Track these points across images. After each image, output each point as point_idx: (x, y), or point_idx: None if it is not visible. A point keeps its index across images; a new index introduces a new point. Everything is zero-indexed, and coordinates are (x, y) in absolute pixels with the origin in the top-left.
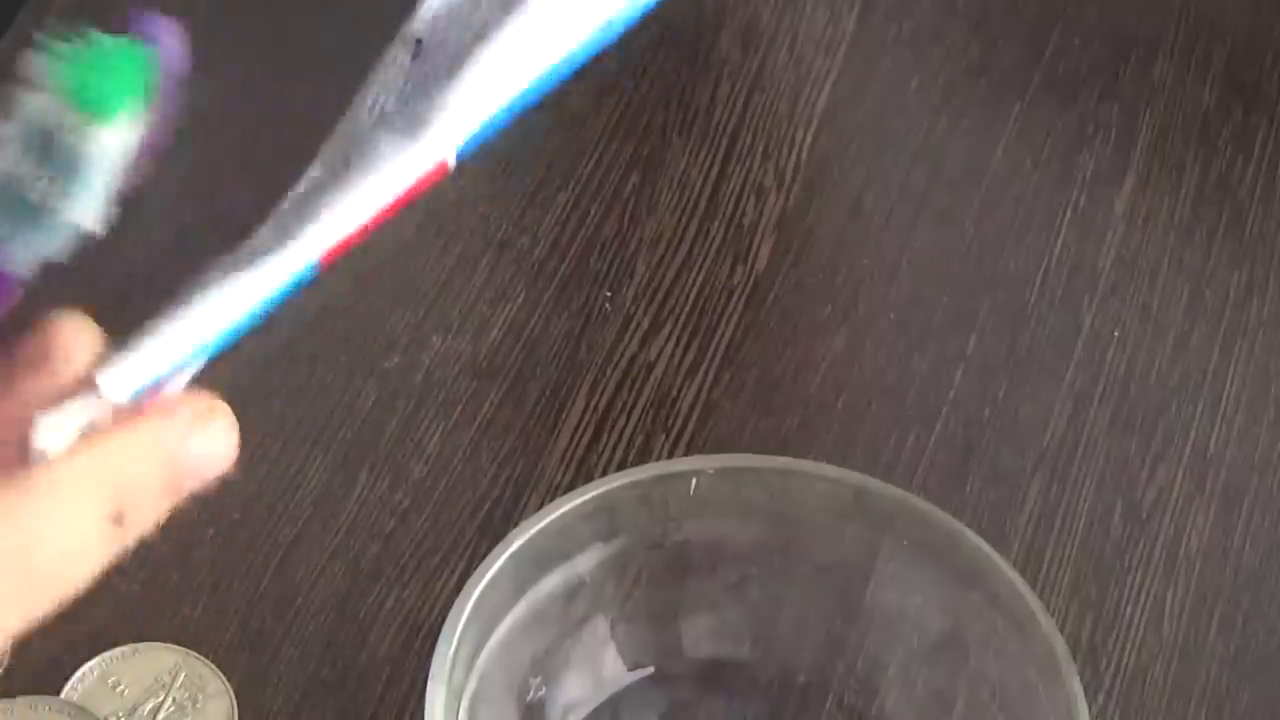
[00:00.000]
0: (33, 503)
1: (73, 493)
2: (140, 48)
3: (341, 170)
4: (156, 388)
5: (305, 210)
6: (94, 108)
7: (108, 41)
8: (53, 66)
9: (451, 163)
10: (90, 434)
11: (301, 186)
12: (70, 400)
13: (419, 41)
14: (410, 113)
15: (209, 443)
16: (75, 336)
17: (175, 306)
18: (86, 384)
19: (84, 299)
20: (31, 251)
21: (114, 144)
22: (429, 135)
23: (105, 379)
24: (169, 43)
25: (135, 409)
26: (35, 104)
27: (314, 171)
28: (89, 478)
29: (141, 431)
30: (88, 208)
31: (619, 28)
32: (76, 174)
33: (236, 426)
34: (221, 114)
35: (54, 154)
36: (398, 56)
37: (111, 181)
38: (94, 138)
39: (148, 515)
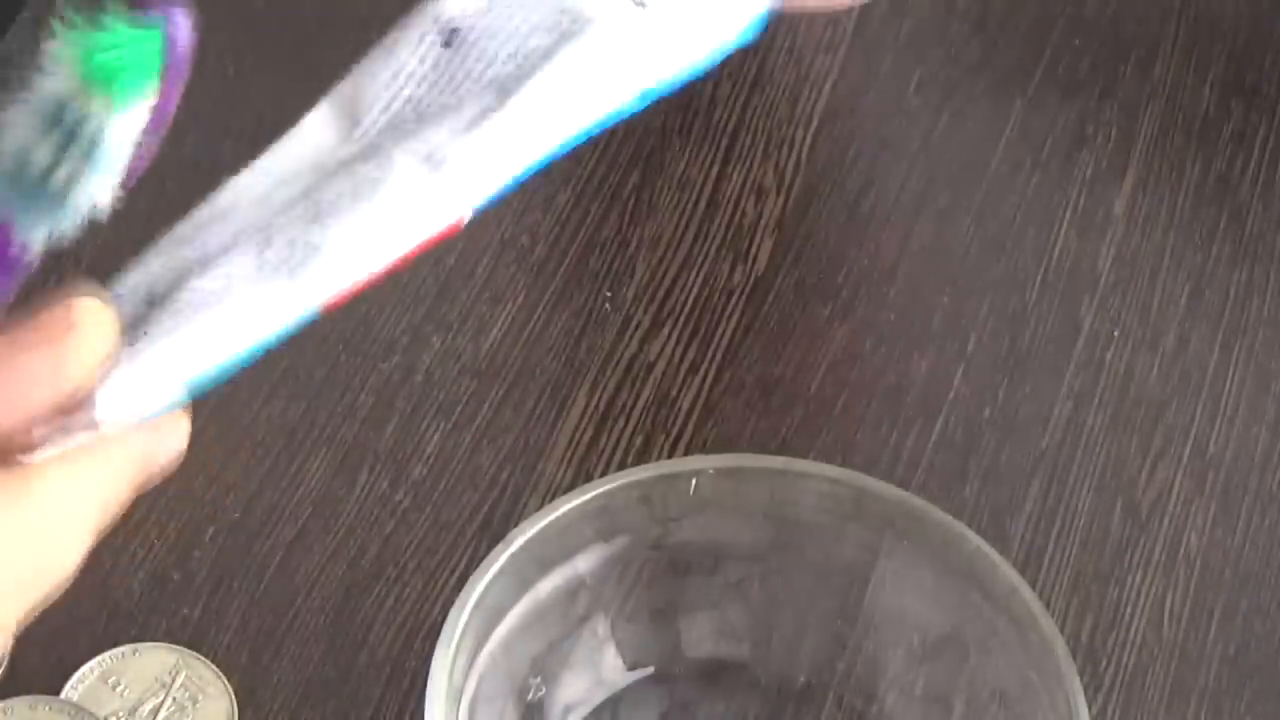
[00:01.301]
0: (19, 506)
1: (60, 497)
2: (150, 28)
3: (357, 172)
4: (152, 418)
5: (317, 221)
6: (106, 87)
7: (119, 22)
8: (65, 48)
9: (466, 220)
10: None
11: (310, 167)
12: (66, 421)
13: (454, 31)
14: (432, 138)
15: (171, 445)
16: (91, 318)
17: (181, 327)
18: (85, 406)
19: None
20: (41, 228)
21: (125, 123)
22: (449, 176)
23: (103, 406)
24: (179, 21)
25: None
26: (48, 84)
27: (318, 130)
28: (75, 484)
29: (117, 444)
30: (99, 185)
31: (651, 97)
32: (89, 151)
33: (187, 428)
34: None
35: (66, 132)
36: (426, 36)
37: (122, 159)
38: (106, 116)
39: (115, 518)
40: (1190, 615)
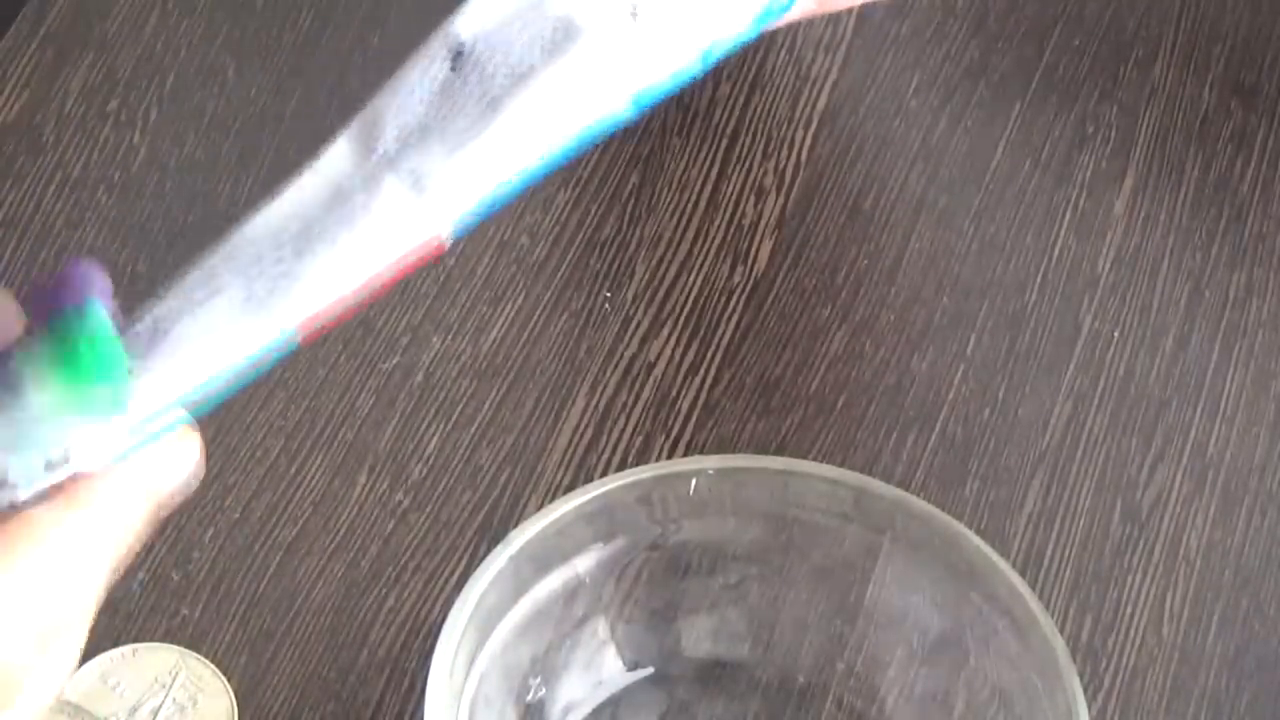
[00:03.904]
0: (31, 554)
1: (60, 545)
2: (97, 321)
3: (352, 199)
4: (132, 454)
5: (305, 251)
6: (83, 404)
7: (71, 332)
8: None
9: (447, 242)
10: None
11: (301, 195)
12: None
13: (460, 54)
14: (421, 161)
15: (182, 469)
16: None
17: (158, 366)
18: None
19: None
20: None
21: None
22: (432, 197)
23: (81, 448)
24: (97, 285)
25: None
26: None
27: (327, 164)
28: (74, 529)
29: (125, 478)
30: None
31: (645, 105)
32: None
33: (201, 449)
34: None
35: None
36: (436, 58)
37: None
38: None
39: (132, 551)
40: (1190, 615)
